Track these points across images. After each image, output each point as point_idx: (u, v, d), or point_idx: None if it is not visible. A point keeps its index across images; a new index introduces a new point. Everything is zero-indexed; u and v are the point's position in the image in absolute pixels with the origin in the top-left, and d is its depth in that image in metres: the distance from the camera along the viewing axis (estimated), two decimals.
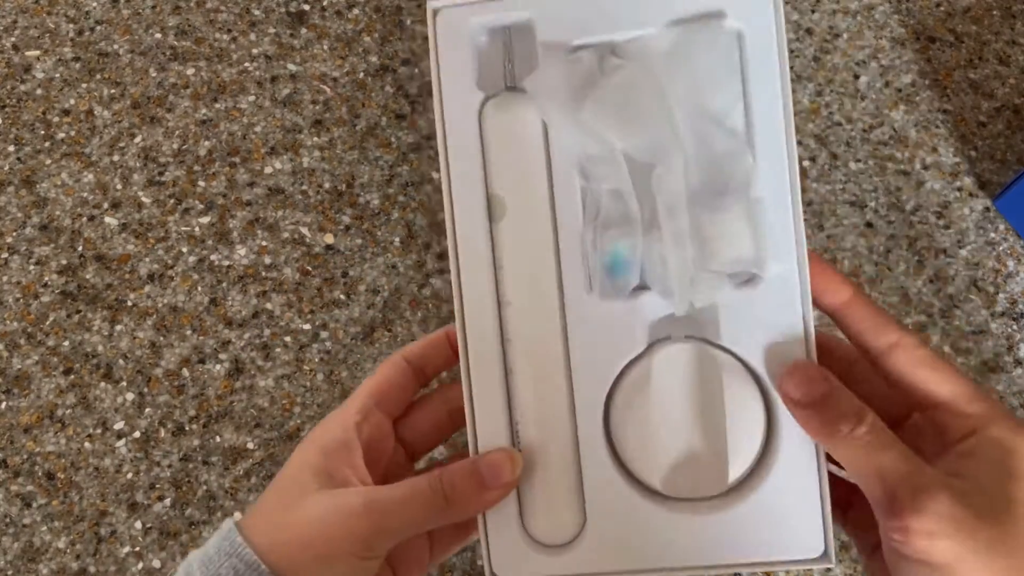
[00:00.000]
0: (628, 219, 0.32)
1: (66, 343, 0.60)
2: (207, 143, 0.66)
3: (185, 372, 0.59)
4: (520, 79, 0.32)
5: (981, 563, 0.26)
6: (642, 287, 0.31)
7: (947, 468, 0.29)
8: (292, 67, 0.70)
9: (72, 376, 0.59)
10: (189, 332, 0.60)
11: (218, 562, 0.29)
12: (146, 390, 0.58)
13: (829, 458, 0.31)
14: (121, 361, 0.59)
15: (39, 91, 0.69)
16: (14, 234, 0.63)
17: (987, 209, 0.65)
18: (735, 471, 0.30)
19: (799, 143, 0.67)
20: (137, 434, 0.57)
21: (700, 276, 0.29)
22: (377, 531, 0.29)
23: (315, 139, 0.67)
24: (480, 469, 0.30)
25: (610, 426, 0.30)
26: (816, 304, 0.31)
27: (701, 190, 0.30)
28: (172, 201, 0.64)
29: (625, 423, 0.30)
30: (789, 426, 0.31)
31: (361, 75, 0.69)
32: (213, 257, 0.62)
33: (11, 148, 0.66)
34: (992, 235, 0.64)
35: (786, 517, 0.31)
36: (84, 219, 0.64)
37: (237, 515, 0.28)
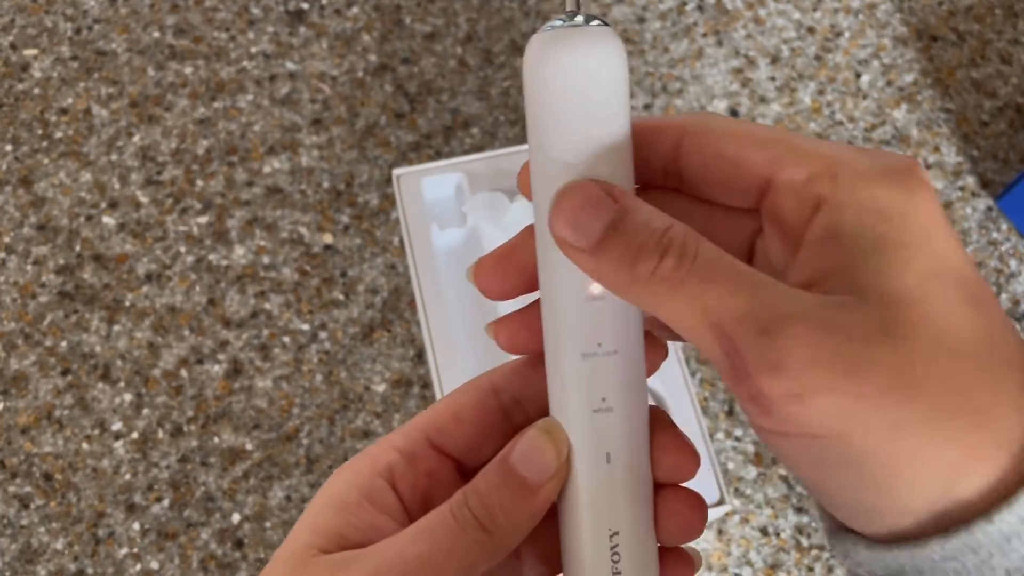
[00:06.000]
0: None
1: (63, 343, 0.59)
2: (205, 142, 0.66)
3: (183, 373, 0.58)
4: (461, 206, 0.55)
5: (884, 419, 0.17)
6: None
7: (799, 278, 0.19)
8: (291, 66, 0.69)
9: (70, 376, 0.58)
10: (187, 332, 0.60)
11: None
12: (144, 391, 0.58)
13: None
14: (119, 362, 0.59)
15: (36, 90, 0.68)
16: (11, 234, 0.63)
17: (989, 209, 0.65)
18: None
19: None
20: (135, 435, 0.57)
21: None
22: None
23: (314, 138, 0.66)
24: (514, 465, 0.20)
25: None
26: None
27: None
28: (170, 201, 0.64)
29: None
30: (675, 408, 0.51)
31: (360, 74, 0.69)
32: (211, 257, 0.62)
33: (8, 147, 0.66)
34: (995, 235, 0.64)
35: None
36: (82, 219, 0.63)
37: None
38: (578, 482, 0.21)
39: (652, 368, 0.22)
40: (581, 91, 0.20)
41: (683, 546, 0.23)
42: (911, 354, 0.17)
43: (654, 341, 0.22)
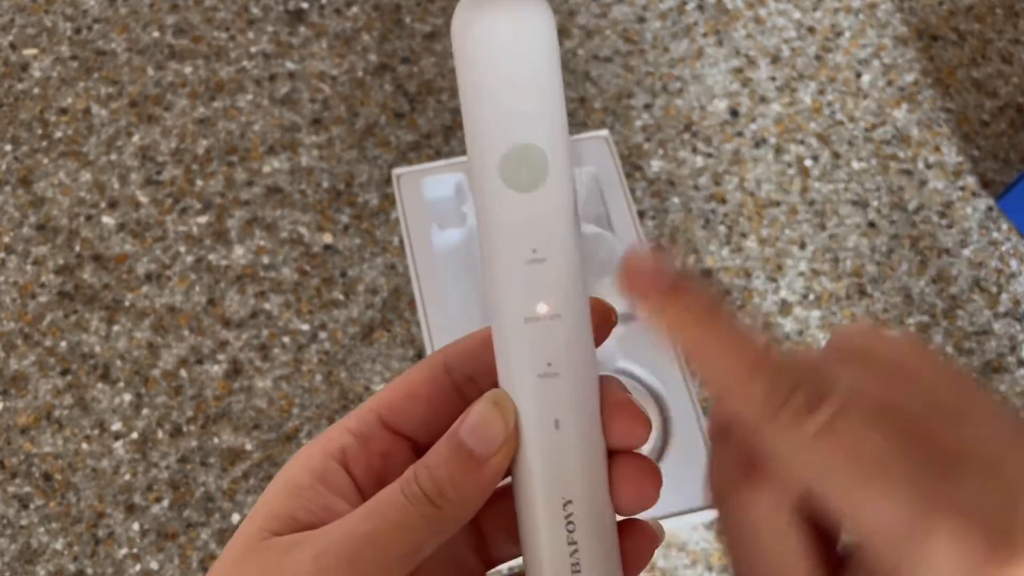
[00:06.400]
0: None
1: (63, 343, 0.59)
2: (205, 142, 0.66)
3: (183, 373, 0.58)
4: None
5: None
6: None
7: None
8: (290, 65, 0.69)
9: (69, 377, 0.58)
10: (187, 333, 0.60)
11: None
12: (144, 391, 0.58)
13: None
14: (118, 362, 0.59)
15: (36, 90, 0.68)
16: (11, 234, 0.63)
17: (990, 209, 0.65)
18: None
19: (802, 142, 0.67)
20: (135, 435, 0.57)
21: None
22: None
23: (313, 138, 0.66)
24: (462, 439, 0.20)
25: None
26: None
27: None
28: (170, 200, 0.64)
29: None
30: (675, 408, 0.53)
31: (360, 73, 0.69)
32: (211, 257, 0.62)
33: (8, 147, 0.66)
34: (995, 235, 0.64)
35: (685, 481, 0.42)
36: (81, 219, 0.63)
37: None
38: (527, 451, 0.21)
39: (602, 335, 0.22)
40: (508, 57, 0.19)
41: (646, 519, 0.23)
42: None
43: (601, 306, 0.22)
